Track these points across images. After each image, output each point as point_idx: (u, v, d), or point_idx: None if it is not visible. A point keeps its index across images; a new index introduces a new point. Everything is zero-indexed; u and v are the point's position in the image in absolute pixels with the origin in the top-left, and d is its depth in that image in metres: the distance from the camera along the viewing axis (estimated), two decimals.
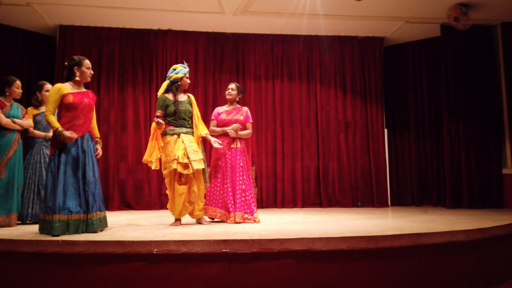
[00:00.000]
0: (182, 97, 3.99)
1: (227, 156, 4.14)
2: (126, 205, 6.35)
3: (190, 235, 2.99)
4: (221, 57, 6.90)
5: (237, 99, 4.37)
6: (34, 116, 4.32)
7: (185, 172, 3.70)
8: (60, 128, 3.16)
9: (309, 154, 6.87)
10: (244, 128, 4.27)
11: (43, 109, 4.27)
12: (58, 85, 3.30)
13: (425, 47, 7.03)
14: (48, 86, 4.33)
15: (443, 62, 6.53)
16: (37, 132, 4.27)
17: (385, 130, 7.23)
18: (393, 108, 7.30)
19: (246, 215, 3.96)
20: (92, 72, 3.45)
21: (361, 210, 5.98)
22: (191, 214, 3.90)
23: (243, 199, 4.04)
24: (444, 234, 3.02)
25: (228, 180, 4.07)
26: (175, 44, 6.80)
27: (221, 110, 4.36)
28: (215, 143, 3.94)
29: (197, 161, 3.72)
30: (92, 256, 2.68)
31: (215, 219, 4.18)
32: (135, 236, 2.90)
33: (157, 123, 3.72)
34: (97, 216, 3.26)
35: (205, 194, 4.03)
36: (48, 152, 4.08)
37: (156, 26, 6.67)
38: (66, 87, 3.30)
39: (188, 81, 4.03)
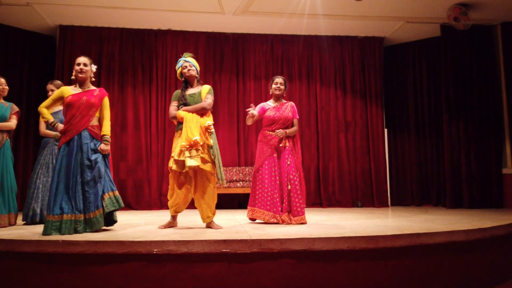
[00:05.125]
0: (195, 90, 3.71)
1: (275, 156, 4.00)
2: (126, 205, 6.34)
3: (190, 235, 2.99)
4: (221, 57, 6.90)
5: (283, 94, 4.26)
6: None
7: (180, 170, 3.42)
8: (52, 120, 3.36)
9: (309, 154, 6.87)
10: (291, 125, 4.14)
11: (56, 108, 4.05)
12: (62, 87, 3.41)
13: (425, 47, 7.04)
14: (51, 86, 4.27)
15: (443, 62, 6.53)
16: (48, 132, 4.21)
17: (385, 130, 7.23)
18: (393, 108, 7.30)
19: (293, 216, 3.83)
20: (81, 68, 3.34)
21: (361, 210, 5.98)
22: (201, 216, 3.62)
23: (291, 199, 3.88)
24: (444, 234, 3.02)
25: (275, 181, 3.91)
26: (175, 44, 6.80)
27: (267, 106, 4.22)
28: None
29: (193, 158, 3.36)
30: (92, 256, 2.67)
31: (259, 220, 4.00)
32: (135, 236, 2.89)
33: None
34: (99, 213, 3.21)
35: (254, 196, 3.92)
36: None
37: (156, 26, 6.67)
38: (69, 89, 3.35)
39: (186, 70, 3.66)
